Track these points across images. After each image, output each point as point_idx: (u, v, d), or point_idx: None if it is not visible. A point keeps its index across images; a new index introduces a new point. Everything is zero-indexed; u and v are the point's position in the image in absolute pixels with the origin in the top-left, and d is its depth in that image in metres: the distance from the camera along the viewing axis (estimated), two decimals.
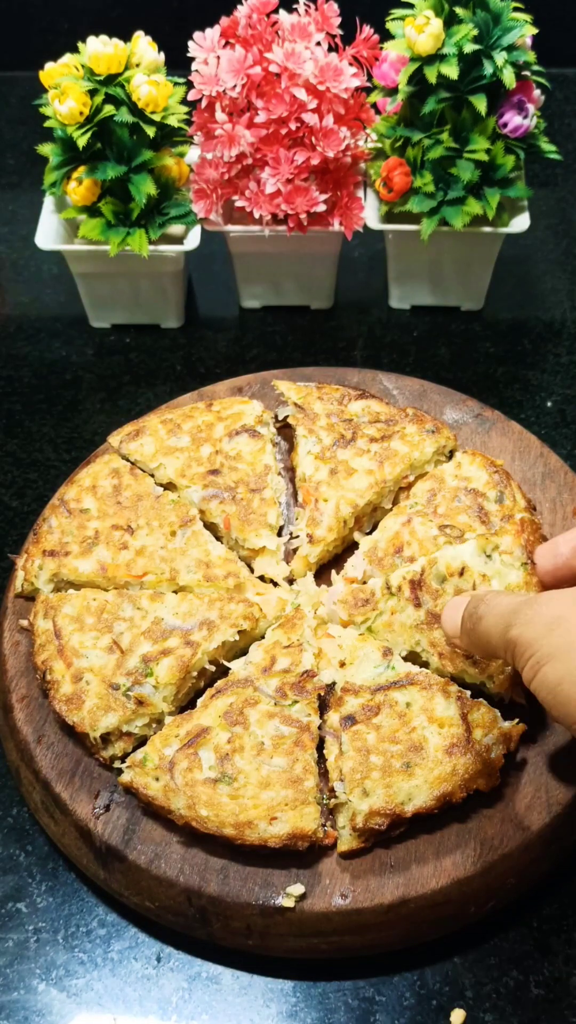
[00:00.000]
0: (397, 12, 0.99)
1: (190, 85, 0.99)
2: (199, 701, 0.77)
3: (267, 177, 0.99)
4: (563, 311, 1.17)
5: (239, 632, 0.80)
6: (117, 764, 0.75)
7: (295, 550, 0.87)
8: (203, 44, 0.97)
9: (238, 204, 1.02)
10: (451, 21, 0.97)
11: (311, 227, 1.03)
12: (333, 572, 0.86)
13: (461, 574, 0.76)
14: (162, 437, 0.91)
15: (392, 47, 0.99)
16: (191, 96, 0.99)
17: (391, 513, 0.87)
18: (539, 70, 1.00)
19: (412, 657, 0.79)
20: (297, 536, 0.87)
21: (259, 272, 1.13)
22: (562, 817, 0.73)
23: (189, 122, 1.02)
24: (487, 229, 1.04)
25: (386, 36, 0.99)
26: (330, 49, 0.98)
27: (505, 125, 1.00)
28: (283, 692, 0.76)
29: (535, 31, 0.97)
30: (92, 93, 0.97)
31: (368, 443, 0.89)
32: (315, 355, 1.13)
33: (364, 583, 0.82)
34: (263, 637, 0.82)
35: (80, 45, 0.99)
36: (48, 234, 1.06)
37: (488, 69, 0.96)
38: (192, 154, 1.07)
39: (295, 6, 0.98)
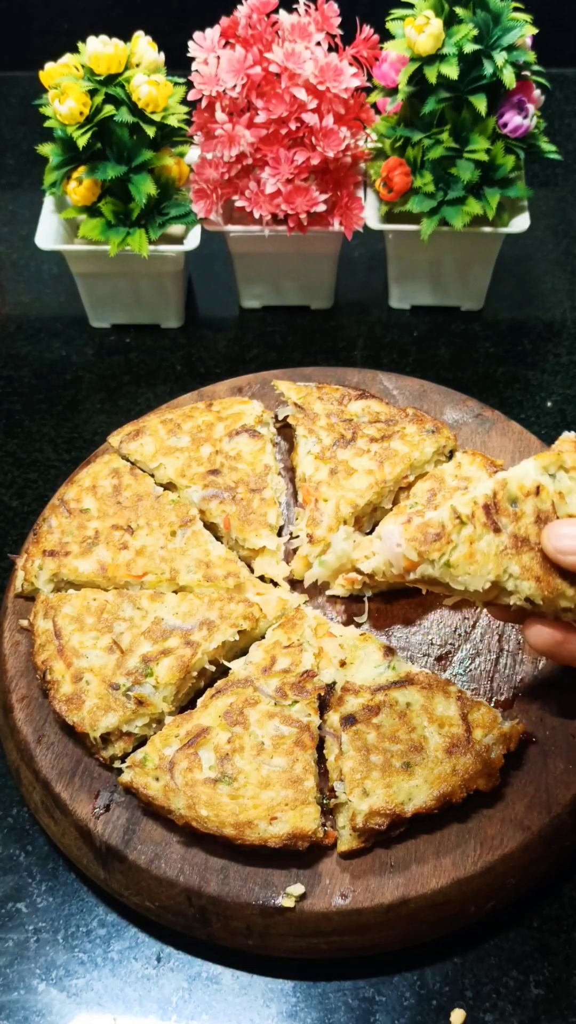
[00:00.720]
0: (397, 12, 0.99)
1: (190, 85, 0.99)
2: (199, 701, 0.77)
3: (267, 177, 0.99)
4: (563, 311, 1.17)
5: (239, 632, 0.80)
6: (117, 764, 0.75)
7: (295, 550, 0.87)
8: (203, 44, 0.97)
9: (238, 204, 1.02)
10: (451, 21, 0.97)
11: (311, 227, 1.03)
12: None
13: (537, 493, 0.65)
14: (162, 437, 0.91)
15: (392, 47, 0.99)
16: (191, 96, 0.99)
17: (391, 513, 0.87)
18: (539, 70, 1.00)
19: (492, 591, 0.68)
20: (297, 536, 0.87)
21: (259, 272, 1.13)
22: (562, 817, 0.73)
23: (189, 122, 1.02)
24: (487, 229, 1.04)
25: (386, 36, 0.99)
26: (330, 49, 0.98)
27: (505, 125, 1.00)
28: (283, 692, 0.76)
29: (535, 31, 0.97)
30: (92, 93, 0.97)
31: (368, 443, 0.89)
32: (315, 355, 1.13)
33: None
34: (263, 637, 0.82)
35: (80, 45, 0.99)
36: (48, 234, 1.06)
37: (488, 69, 0.96)
38: (192, 154, 1.07)
39: (295, 6, 0.98)
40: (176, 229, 1.06)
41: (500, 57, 0.95)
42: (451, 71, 0.95)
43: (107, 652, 0.78)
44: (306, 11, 0.98)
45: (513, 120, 0.99)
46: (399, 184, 1.02)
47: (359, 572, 0.70)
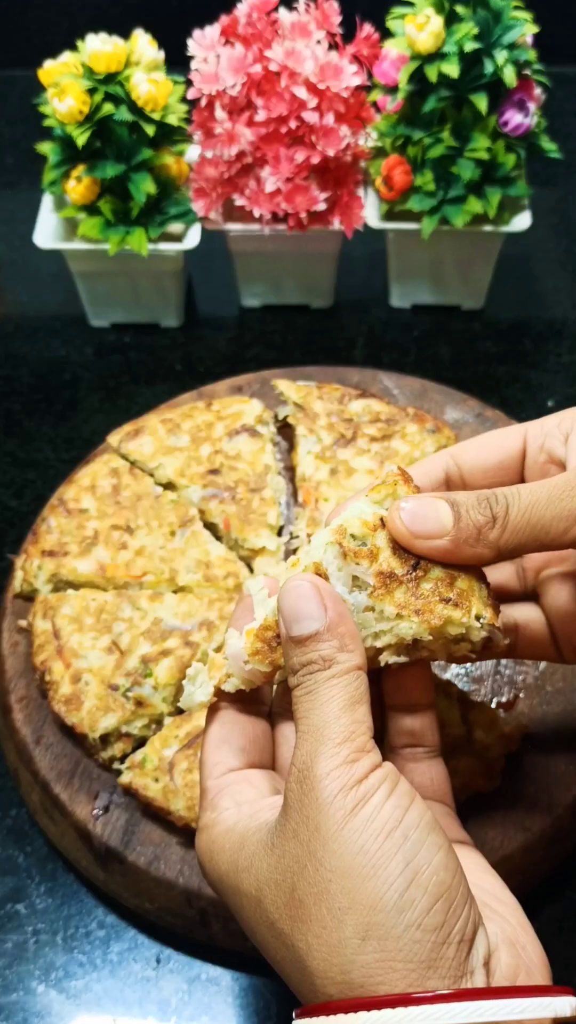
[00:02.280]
0: (397, 10, 0.99)
1: (190, 83, 0.99)
2: None
3: (267, 176, 0.99)
4: (564, 310, 1.16)
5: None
6: (116, 765, 0.75)
7: (295, 550, 0.87)
8: (203, 42, 0.97)
9: (238, 203, 1.02)
10: (452, 19, 0.96)
11: (311, 226, 1.03)
12: None
13: (383, 525, 0.53)
14: (161, 437, 0.91)
15: (392, 45, 0.98)
16: (191, 94, 0.99)
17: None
18: (540, 68, 1.00)
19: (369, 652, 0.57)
20: (297, 536, 0.87)
21: (259, 271, 1.13)
22: (563, 819, 0.73)
23: (189, 120, 1.02)
24: (488, 228, 1.04)
25: (386, 34, 0.99)
26: (330, 47, 0.98)
27: (506, 124, 0.99)
28: None
29: (536, 29, 0.96)
30: (91, 91, 0.97)
31: (368, 443, 0.89)
32: (315, 354, 1.13)
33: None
34: None
35: (79, 43, 0.99)
36: (47, 233, 1.06)
37: (489, 68, 0.95)
38: (192, 153, 1.06)
39: (295, 4, 0.98)
40: (175, 228, 1.06)
41: (501, 55, 0.95)
42: (452, 70, 0.95)
43: (106, 653, 0.78)
44: (306, 9, 0.98)
45: (514, 119, 0.99)
46: (399, 183, 1.01)
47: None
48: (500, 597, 0.60)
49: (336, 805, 0.45)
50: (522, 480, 0.58)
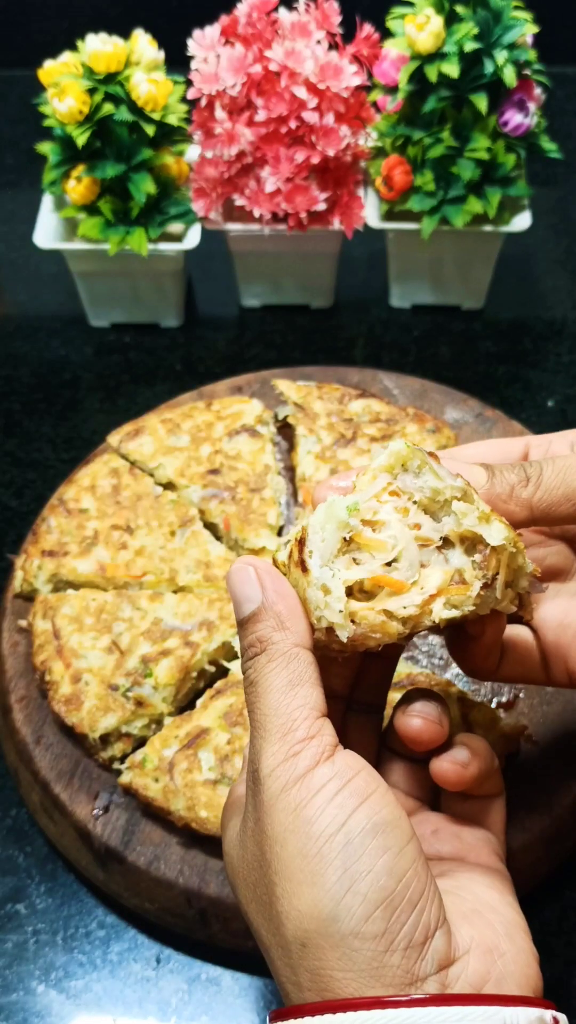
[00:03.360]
0: (397, 10, 0.99)
1: (190, 83, 0.99)
2: (199, 702, 0.77)
3: (267, 176, 0.99)
4: (564, 310, 1.16)
5: None
6: (116, 765, 0.75)
7: None
8: (203, 42, 0.97)
9: (238, 203, 1.02)
10: (452, 19, 0.96)
11: (311, 226, 1.03)
12: None
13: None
14: (161, 436, 0.91)
15: (392, 45, 0.98)
16: (191, 94, 0.99)
17: None
18: (540, 68, 1.00)
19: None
20: None
21: (259, 271, 1.13)
22: (563, 819, 0.73)
23: (189, 120, 1.02)
24: (488, 228, 1.04)
25: (386, 34, 0.99)
26: (330, 47, 0.98)
27: (506, 124, 0.99)
28: None
29: (536, 29, 0.96)
30: (91, 91, 0.97)
31: (368, 442, 0.89)
32: (315, 354, 1.13)
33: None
34: None
35: (79, 43, 0.99)
36: (47, 233, 1.06)
37: (489, 68, 0.95)
38: (192, 153, 1.06)
39: (295, 4, 0.98)
40: (175, 228, 1.06)
41: (501, 55, 0.95)
42: (452, 69, 0.95)
43: (106, 653, 0.78)
44: (306, 9, 0.98)
45: (514, 119, 0.99)
46: (399, 183, 1.01)
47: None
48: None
49: (279, 806, 0.44)
50: None
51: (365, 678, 0.57)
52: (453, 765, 0.53)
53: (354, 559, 0.49)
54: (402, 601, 0.48)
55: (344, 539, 0.48)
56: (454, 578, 0.49)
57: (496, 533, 0.48)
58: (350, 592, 0.48)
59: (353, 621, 0.47)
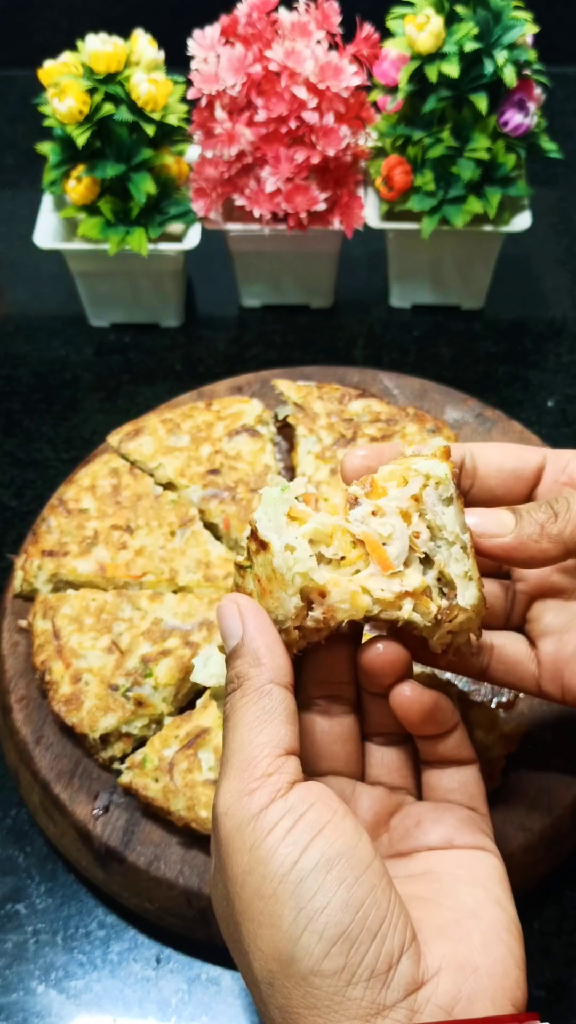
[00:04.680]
0: (397, 10, 0.99)
1: (190, 83, 0.99)
2: (199, 702, 0.77)
3: (267, 176, 0.99)
4: (564, 310, 1.16)
5: None
6: (116, 765, 0.75)
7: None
8: (203, 42, 0.97)
9: (238, 203, 1.02)
10: (452, 19, 0.96)
11: (311, 226, 1.03)
12: None
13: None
14: (161, 436, 0.91)
15: (392, 45, 0.98)
16: (191, 94, 0.99)
17: None
18: (540, 68, 1.00)
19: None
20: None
21: (259, 271, 1.13)
22: (563, 819, 0.73)
23: (189, 120, 1.02)
24: (488, 228, 1.04)
25: (386, 34, 0.99)
26: (330, 47, 0.98)
27: (506, 124, 0.99)
28: None
29: (536, 29, 0.96)
30: (91, 91, 0.97)
31: (369, 443, 0.89)
32: (315, 354, 1.13)
33: None
34: None
35: (79, 43, 0.99)
36: (47, 233, 1.06)
37: (489, 68, 0.95)
38: (192, 153, 1.06)
39: (295, 4, 0.98)
40: (175, 228, 1.06)
41: (501, 55, 0.95)
42: (452, 70, 0.95)
43: (106, 653, 0.78)
44: (306, 9, 0.98)
45: (514, 119, 0.99)
46: (400, 183, 1.01)
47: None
48: (485, 622, 0.60)
49: (235, 845, 0.43)
50: (531, 497, 0.58)
51: (334, 674, 0.56)
52: (412, 688, 0.54)
53: (321, 554, 0.51)
54: (382, 583, 0.51)
55: (289, 515, 0.51)
56: (424, 590, 0.51)
57: (469, 595, 0.52)
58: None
59: (323, 595, 0.49)
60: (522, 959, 0.47)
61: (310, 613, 0.50)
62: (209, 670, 0.53)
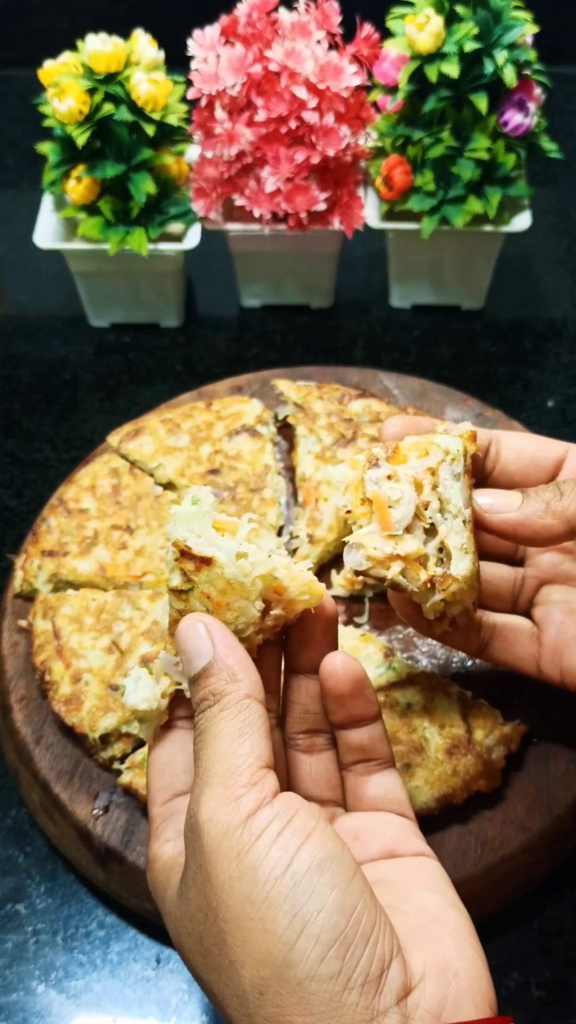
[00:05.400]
0: (397, 10, 0.99)
1: (190, 83, 0.99)
2: None
3: (267, 176, 0.99)
4: (564, 310, 1.16)
5: None
6: (116, 765, 0.75)
7: (295, 550, 0.87)
8: (203, 42, 0.97)
9: (238, 203, 1.02)
10: (452, 19, 0.96)
11: (311, 226, 1.03)
12: (333, 572, 0.85)
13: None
14: (161, 436, 0.91)
15: (392, 45, 0.98)
16: (191, 94, 0.99)
17: None
18: (540, 68, 1.00)
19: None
20: (297, 536, 0.87)
21: (259, 271, 1.13)
22: (564, 818, 0.73)
23: (189, 120, 1.02)
24: (488, 228, 1.04)
25: (386, 34, 0.99)
26: (330, 47, 0.98)
27: (506, 124, 0.99)
28: None
29: (536, 29, 0.96)
30: (91, 91, 0.97)
31: (369, 443, 0.89)
32: (315, 354, 1.13)
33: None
34: None
35: (79, 43, 0.99)
36: (47, 233, 1.06)
37: (489, 68, 0.95)
38: (192, 152, 1.06)
39: (295, 4, 0.98)
40: (175, 228, 1.06)
41: (501, 55, 0.95)
42: (452, 69, 0.95)
43: (106, 653, 0.78)
44: (306, 9, 0.98)
45: (514, 119, 0.99)
46: (400, 183, 1.01)
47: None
48: (492, 604, 0.61)
49: (221, 852, 0.43)
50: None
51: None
52: (343, 659, 0.54)
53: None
54: (377, 542, 0.53)
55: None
56: (420, 557, 0.54)
57: (462, 567, 0.54)
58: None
59: (279, 592, 0.51)
60: (486, 964, 0.48)
61: (271, 612, 0.51)
62: (141, 693, 0.53)
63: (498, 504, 0.56)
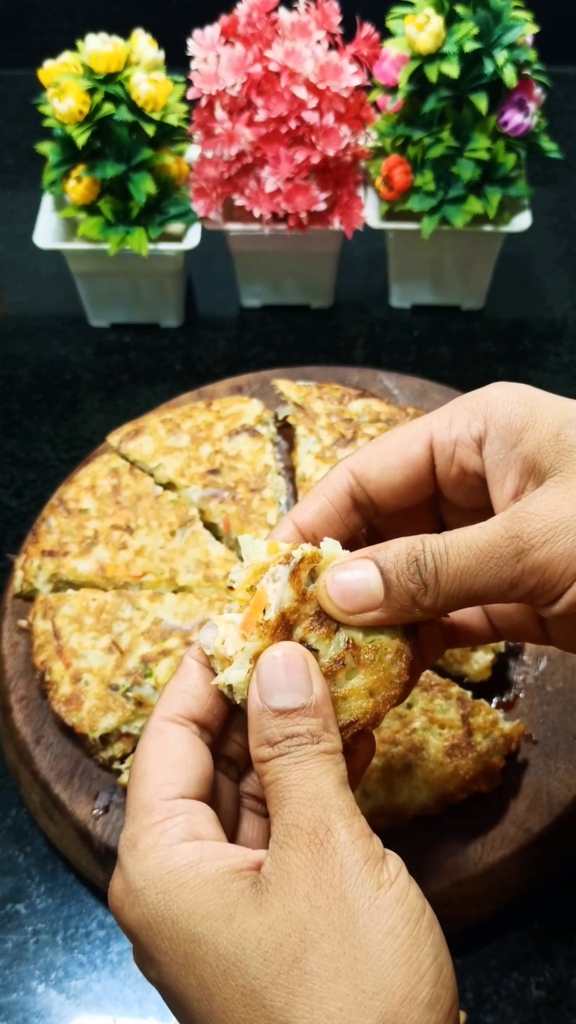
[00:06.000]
0: (397, 10, 0.99)
1: (190, 83, 0.99)
2: None
3: (267, 176, 0.99)
4: (564, 310, 1.16)
5: None
6: (116, 765, 0.75)
7: None
8: (203, 42, 0.97)
9: (238, 203, 1.02)
10: (452, 19, 0.96)
11: (311, 226, 1.03)
12: None
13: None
14: (161, 436, 0.91)
15: (393, 45, 0.98)
16: (191, 94, 0.99)
17: None
18: (540, 68, 1.00)
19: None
20: None
21: (259, 271, 1.13)
22: (563, 819, 0.73)
23: (189, 120, 1.02)
24: (488, 228, 1.04)
25: (386, 34, 0.99)
26: (330, 47, 0.98)
27: (506, 124, 0.99)
28: None
29: (536, 29, 0.96)
30: (91, 91, 0.97)
31: (369, 443, 0.89)
32: (315, 354, 1.13)
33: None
34: None
35: (79, 43, 0.99)
36: (47, 233, 1.06)
37: (489, 68, 0.95)
38: (192, 153, 1.06)
39: (295, 4, 0.98)
40: (175, 228, 1.06)
41: (501, 56, 0.95)
42: (452, 70, 0.95)
43: (106, 653, 0.78)
44: (306, 9, 0.98)
45: (514, 119, 0.99)
46: (400, 183, 1.01)
47: None
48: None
49: (363, 876, 0.42)
50: (437, 493, 0.54)
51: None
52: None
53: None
54: (232, 633, 0.49)
55: None
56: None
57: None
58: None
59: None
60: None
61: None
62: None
63: (354, 602, 0.48)
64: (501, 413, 0.50)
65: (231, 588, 0.50)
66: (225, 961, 0.41)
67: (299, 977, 0.40)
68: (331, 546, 0.50)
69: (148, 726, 0.50)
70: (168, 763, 0.48)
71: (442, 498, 0.55)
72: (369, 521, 0.56)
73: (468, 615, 0.58)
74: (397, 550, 0.48)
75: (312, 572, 0.49)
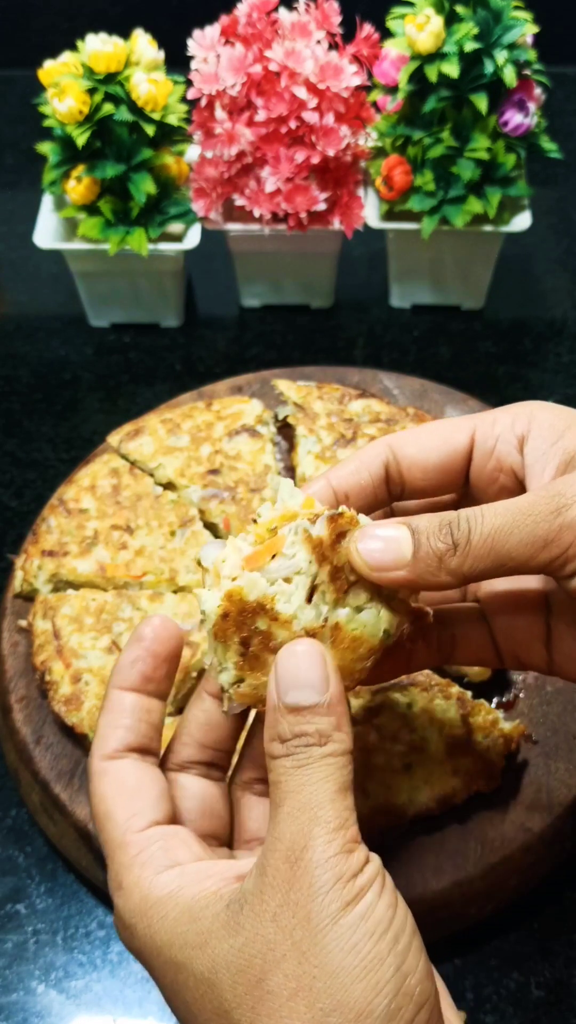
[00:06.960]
0: (397, 10, 0.99)
1: (190, 83, 0.99)
2: None
3: (267, 176, 0.99)
4: (564, 310, 1.16)
5: None
6: None
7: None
8: (203, 42, 0.97)
9: (238, 203, 1.02)
10: (452, 19, 0.96)
11: (311, 226, 1.03)
12: None
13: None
14: (161, 436, 0.91)
15: (392, 45, 0.98)
16: (191, 94, 0.99)
17: None
18: (540, 68, 1.00)
19: None
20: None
21: (259, 271, 1.13)
22: (563, 819, 0.73)
23: (189, 120, 1.02)
24: (488, 228, 1.04)
25: (386, 34, 0.99)
26: (330, 47, 0.98)
27: (506, 124, 0.99)
28: None
29: (536, 29, 0.96)
30: (91, 91, 0.97)
31: (369, 443, 0.89)
32: (315, 354, 1.13)
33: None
34: None
35: (79, 43, 0.99)
36: (47, 233, 1.06)
37: (489, 68, 0.95)
38: (192, 153, 1.06)
39: (295, 4, 0.98)
40: (175, 228, 1.06)
41: (501, 55, 0.95)
42: (452, 69, 0.95)
43: (106, 653, 0.78)
44: (306, 9, 0.98)
45: (514, 119, 0.99)
46: (400, 183, 1.01)
47: None
48: (442, 602, 0.59)
49: (331, 896, 0.42)
50: (466, 484, 0.55)
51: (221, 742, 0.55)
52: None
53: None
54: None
55: None
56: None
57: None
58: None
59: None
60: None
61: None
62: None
63: (381, 558, 0.48)
64: (544, 416, 0.52)
65: (255, 521, 0.51)
66: (203, 985, 0.43)
67: (261, 996, 0.41)
68: (362, 518, 0.51)
69: (90, 771, 0.50)
70: (126, 797, 0.49)
71: (465, 505, 0.56)
72: (393, 501, 0.57)
73: (470, 626, 0.58)
74: (431, 517, 0.49)
75: (339, 536, 0.49)
